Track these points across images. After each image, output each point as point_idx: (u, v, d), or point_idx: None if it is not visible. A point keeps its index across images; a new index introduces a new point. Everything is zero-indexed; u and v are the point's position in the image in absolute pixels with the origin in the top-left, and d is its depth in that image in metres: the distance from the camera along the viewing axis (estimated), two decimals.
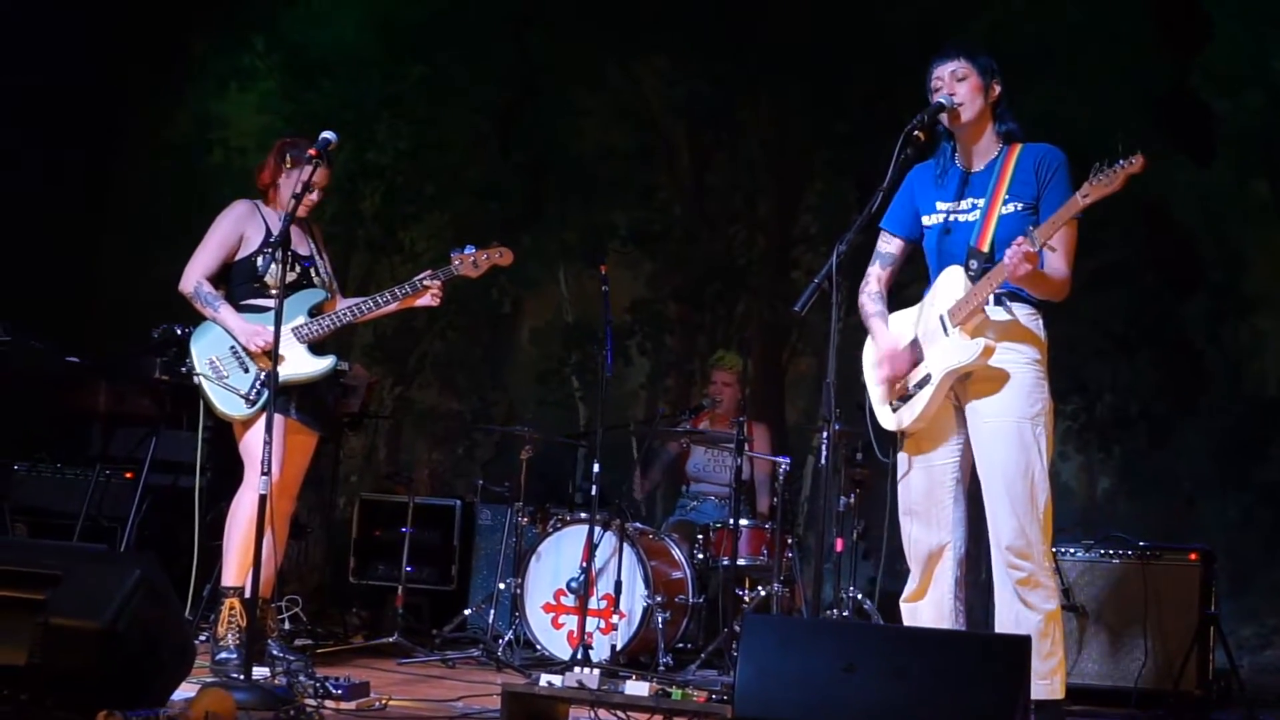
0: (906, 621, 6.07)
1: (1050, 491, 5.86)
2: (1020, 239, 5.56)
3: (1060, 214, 5.57)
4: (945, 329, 5.87)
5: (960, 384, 5.91)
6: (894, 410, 6.02)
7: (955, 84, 5.91)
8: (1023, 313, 5.89)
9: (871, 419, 6.11)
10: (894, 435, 6.11)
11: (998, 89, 5.98)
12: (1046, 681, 5.67)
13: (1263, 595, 9.14)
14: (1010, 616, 5.78)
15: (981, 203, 5.91)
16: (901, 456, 6.08)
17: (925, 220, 6.08)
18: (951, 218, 5.98)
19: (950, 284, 5.90)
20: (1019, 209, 5.84)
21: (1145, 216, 9.68)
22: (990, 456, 5.84)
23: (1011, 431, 5.80)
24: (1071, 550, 8.14)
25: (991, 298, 5.80)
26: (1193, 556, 7.95)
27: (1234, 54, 9.66)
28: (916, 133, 5.79)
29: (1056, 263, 5.78)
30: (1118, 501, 9.65)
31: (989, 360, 5.80)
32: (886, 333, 6.05)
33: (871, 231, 6.15)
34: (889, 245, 6.20)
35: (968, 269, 5.84)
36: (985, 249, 5.82)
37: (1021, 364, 5.85)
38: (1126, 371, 9.71)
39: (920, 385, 5.93)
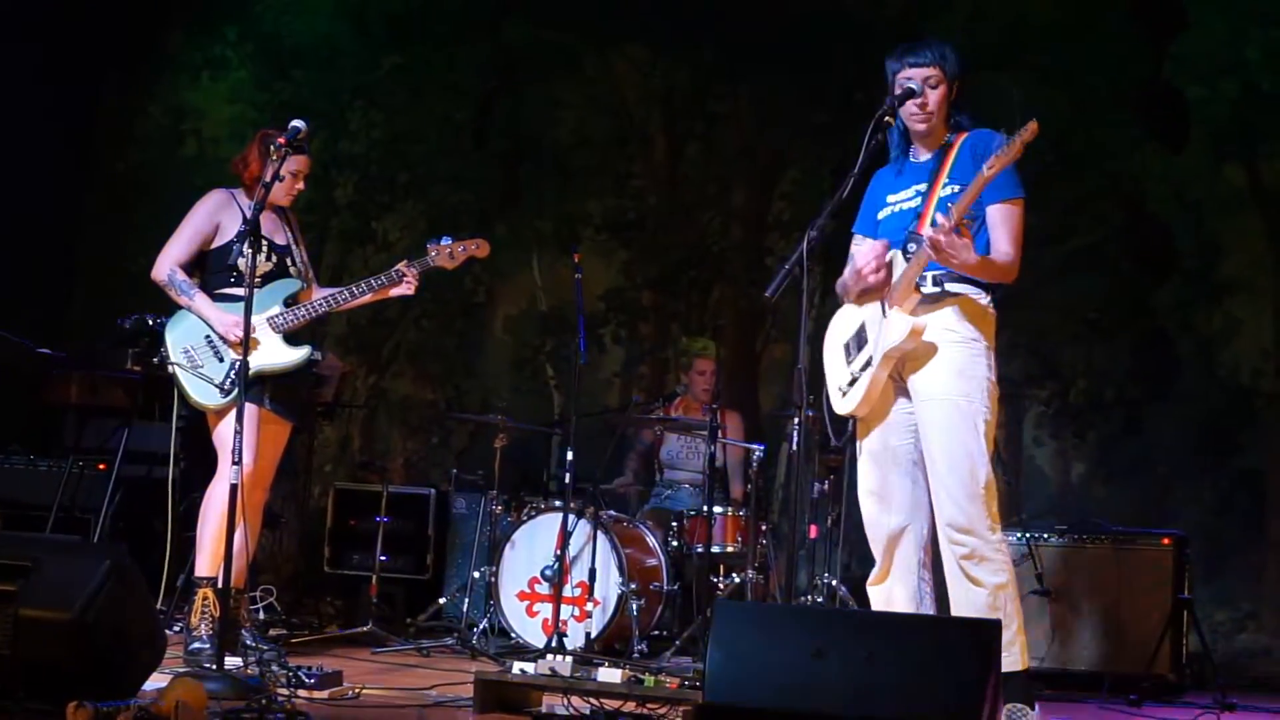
0: (873, 605, 6.12)
1: (990, 467, 5.85)
2: (940, 218, 5.64)
3: (970, 189, 5.64)
4: (884, 311, 5.94)
5: (902, 365, 5.96)
6: (843, 395, 6.09)
7: (928, 91, 5.98)
8: (961, 291, 5.92)
9: (827, 404, 6.15)
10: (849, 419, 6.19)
11: (958, 89, 6.06)
12: (1005, 654, 5.68)
13: (1236, 580, 9.16)
14: (959, 593, 5.83)
15: (924, 188, 5.98)
16: (857, 441, 6.15)
17: (879, 215, 6.17)
18: (898, 207, 6.08)
19: (891, 269, 5.96)
20: (957, 190, 5.85)
21: (1119, 202, 9.71)
22: (929, 434, 5.90)
23: (948, 409, 5.84)
24: (1045, 535, 8.18)
25: (930, 279, 5.86)
26: (1166, 541, 8.01)
27: (1209, 42, 9.67)
28: (887, 118, 5.88)
29: (1002, 245, 5.86)
30: (1092, 487, 9.66)
31: (921, 339, 5.84)
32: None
33: (842, 217, 6.17)
34: (858, 247, 6.24)
35: (905, 252, 5.90)
36: (923, 231, 5.85)
37: (955, 342, 5.87)
38: (1101, 357, 9.72)
39: (864, 369, 6.00)
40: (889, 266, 5.97)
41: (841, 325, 6.21)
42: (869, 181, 6.22)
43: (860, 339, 6.06)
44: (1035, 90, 9.67)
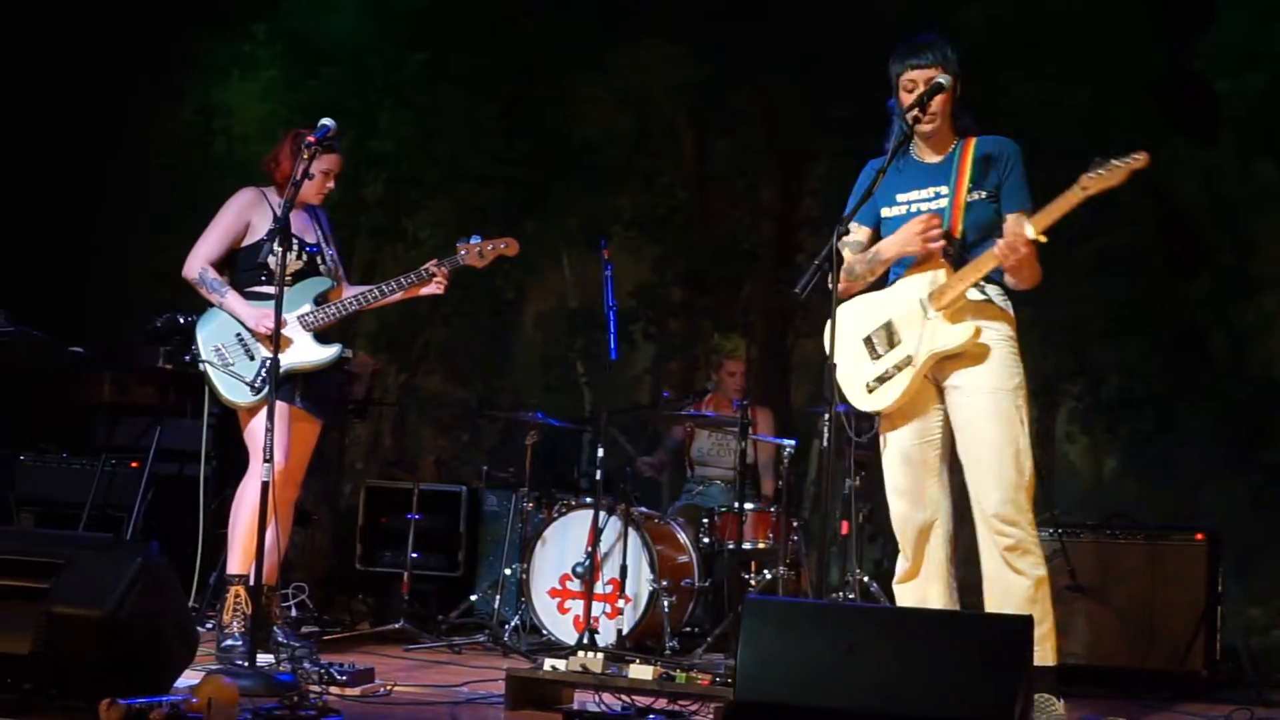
0: (901, 603, 6.15)
1: (1032, 461, 5.97)
2: (1017, 228, 5.73)
3: (1059, 204, 5.72)
4: (926, 312, 6.00)
5: (938, 362, 6.02)
6: (870, 391, 6.10)
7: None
8: (994, 293, 6.04)
9: (843, 400, 6.16)
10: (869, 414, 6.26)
11: (960, 86, 6.10)
12: (1038, 648, 5.69)
13: (1269, 576, 9.10)
14: (999, 585, 5.90)
15: (945, 191, 6.05)
16: (883, 437, 6.18)
17: (886, 212, 6.21)
18: (914, 208, 6.12)
19: (929, 269, 6.02)
20: (983, 197, 6.01)
21: (1149, 197, 9.65)
22: (974, 428, 5.98)
23: (993, 403, 5.94)
24: (1078, 531, 8.15)
25: None
26: (1199, 537, 7.97)
27: (1236, 35, 9.61)
28: (915, 112, 5.91)
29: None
30: (1124, 482, 9.62)
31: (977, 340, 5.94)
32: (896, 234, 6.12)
33: None
34: (856, 234, 6.26)
35: (945, 255, 5.98)
36: (959, 236, 5.98)
37: (997, 340, 5.99)
38: (1132, 353, 9.67)
39: (900, 367, 6.04)
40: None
41: (857, 319, 6.21)
42: (860, 172, 6.26)
43: (890, 335, 6.08)
44: (1058, 84, 9.66)
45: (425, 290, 7.50)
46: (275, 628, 7.27)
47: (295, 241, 7.28)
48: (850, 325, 6.17)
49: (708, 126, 11.09)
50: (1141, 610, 7.87)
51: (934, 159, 6.13)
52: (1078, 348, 9.63)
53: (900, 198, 6.15)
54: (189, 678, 5.32)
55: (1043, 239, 5.76)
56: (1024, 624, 4.92)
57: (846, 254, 6.19)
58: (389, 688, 6.35)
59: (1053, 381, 9.61)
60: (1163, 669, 7.74)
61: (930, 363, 5.98)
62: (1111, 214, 9.36)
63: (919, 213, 6.07)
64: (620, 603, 8.39)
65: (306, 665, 6.34)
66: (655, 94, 11.16)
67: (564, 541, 8.64)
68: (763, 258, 10.76)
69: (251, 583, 6.53)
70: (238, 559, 7.15)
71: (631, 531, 8.42)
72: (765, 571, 8.73)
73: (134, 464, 9.10)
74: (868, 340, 6.14)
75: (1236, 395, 9.35)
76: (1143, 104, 9.59)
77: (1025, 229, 5.71)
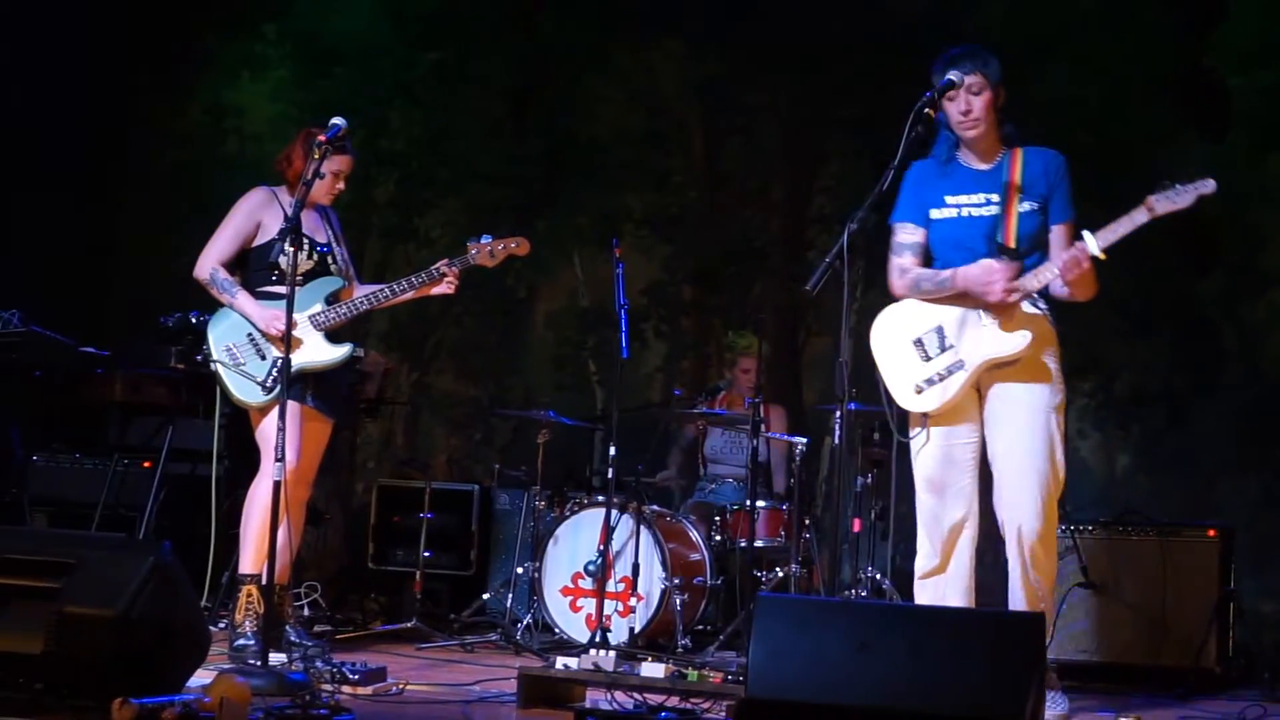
0: (924, 599, 6.17)
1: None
2: (1079, 244, 5.87)
3: (1124, 223, 5.88)
4: (981, 318, 6.07)
5: (986, 370, 6.08)
6: (919, 393, 6.14)
7: (971, 98, 6.08)
8: (1044, 308, 6.17)
9: (888, 399, 6.18)
10: (907, 413, 6.26)
11: (1003, 94, 6.15)
12: None
13: None
14: (1025, 588, 6.01)
15: (996, 199, 6.12)
16: (922, 433, 6.19)
17: (934, 214, 6.24)
18: (965, 212, 6.18)
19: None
20: (1033, 208, 6.10)
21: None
22: (1016, 440, 6.07)
23: (1039, 419, 6.07)
24: (1090, 527, 8.15)
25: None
26: (1211, 533, 7.96)
27: (1247, 31, 9.59)
28: (927, 109, 5.94)
29: None
30: (1136, 479, 9.62)
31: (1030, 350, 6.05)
32: (970, 267, 6.10)
33: (883, 209, 6.22)
34: (914, 236, 6.31)
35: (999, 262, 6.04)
36: (1013, 245, 6.05)
37: (1048, 355, 6.14)
38: (1144, 350, 9.66)
39: (952, 370, 6.09)
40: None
41: (907, 320, 6.28)
42: (904, 172, 6.25)
43: (941, 338, 6.15)
44: (1072, 79, 9.65)
45: (436, 290, 7.49)
46: (288, 627, 7.27)
47: (306, 241, 7.27)
48: (900, 326, 6.26)
49: (719, 125, 11.08)
50: (1154, 607, 7.86)
51: (982, 166, 6.19)
52: (1090, 344, 9.60)
53: (950, 200, 6.20)
54: (201, 677, 5.32)
55: (1103, 256, 5.86)
56: (1035, 621, 4.92)
57: (904, 258, 6.24)
58: (401, 686, 6.35)
59: (1065, 378, 9.59)
60: (1176, 665, 7.72)
61: (982, 369, 6.06)
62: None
63: (969, 217, 6.14)
64: (632, 601, 8.37)
65: (319, 664, 6.34)
66: (666, 93, 11.16)
67: (576, 540, 8.64)
68: (773, 256, 10.76)
69: (264, 582, 6.54)
70: (250, 558, 7.15)
71: (643, 529, 8.42)
72: (777, 569, 8.73)
73: (146, 464, 9.11)
74: (918, 342, 6.19)
75: (1248, 391, 9.34)
76: (1153, 100, 9.57)
77: (1089, 245, 5.82)
